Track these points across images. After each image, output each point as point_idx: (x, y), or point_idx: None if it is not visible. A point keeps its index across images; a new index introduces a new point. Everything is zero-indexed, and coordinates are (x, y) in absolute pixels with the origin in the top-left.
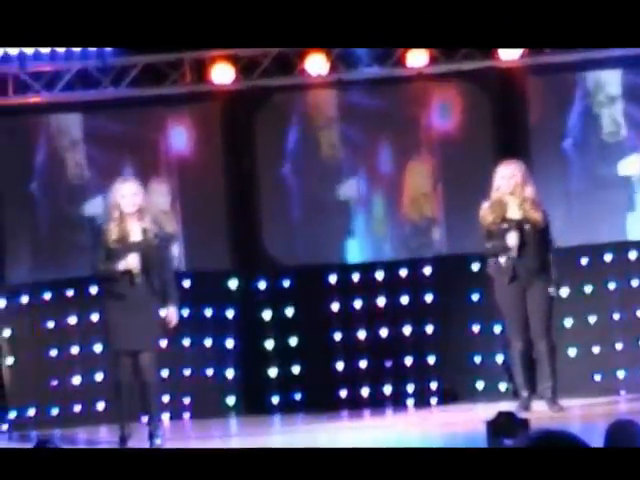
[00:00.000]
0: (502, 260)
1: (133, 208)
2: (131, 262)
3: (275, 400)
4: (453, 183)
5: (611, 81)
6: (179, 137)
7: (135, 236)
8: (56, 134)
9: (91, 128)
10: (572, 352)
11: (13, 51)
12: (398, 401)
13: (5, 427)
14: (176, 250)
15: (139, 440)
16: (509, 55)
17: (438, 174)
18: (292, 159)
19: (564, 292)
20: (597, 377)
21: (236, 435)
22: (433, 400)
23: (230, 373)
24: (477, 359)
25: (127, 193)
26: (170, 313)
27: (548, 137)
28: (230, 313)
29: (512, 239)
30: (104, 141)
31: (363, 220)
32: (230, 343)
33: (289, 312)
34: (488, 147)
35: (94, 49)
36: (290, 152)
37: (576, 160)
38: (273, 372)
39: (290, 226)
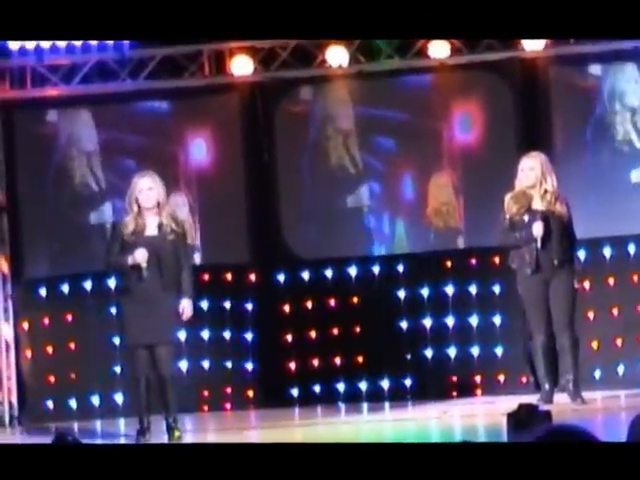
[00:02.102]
0: (525, 251)
1: (150, 203)
2: (139, 257)
3: (294, 393)
4: (476, 192)
5: (636, 70)
6: (198, 130)
7: (150, 230)
8: (74, 138)
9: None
10: (595, 344)
11: (30, 44)
12: (418, 394)
13: (23, 420)
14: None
15: (158, 433)
16: (532, 46)
17: (460, 183)
18: (312, 152)
19: (587, 284)
20: (620, 369)
21: (255, 428)
22: (453, 393)
23: (249, 366)
24: (498, 351)
25: (144, 187)
26: (184, 306)
27: (571, 128)
28: (249, 306)
29: (538, 229)
30: (122, 139)
31: (381, 218)
32: (249, 336)
33: (308, 305)
34: (510, 139)
35: (111, 42)
36: (310, 145)
37: (600, 151)
38: (292, 365)
39: (309, 219)
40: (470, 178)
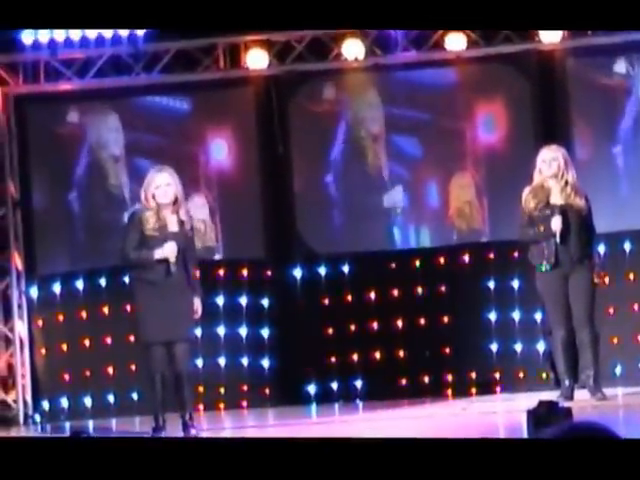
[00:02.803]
0: (544, 246)
1: (167, 199)
2: (169, 251)
3: (311, 390)
4: (498, 192)
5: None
6: (214, 126)
7: (172, 226)
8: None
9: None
10: (615, 340)
11: (44, 38)
12: (437, 391)
13: (38, 418)
14: (212, 240)
15: (174, 431)
16: (550, 37)
17: (483, 183)
18: (328, 146)
19: (607, 279)
20: None
21: (272, 425)
22: (473, 389)
23: (265, 363)
24: (518, 347)
25: (161, 184)
26: (197, 306)
27: (589, 120)
28: (265, 302)
29: (556, 223)
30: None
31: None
32: (265, 332)
33: (325, 301)
34: (529, 132)
35: (125, 35)
36: (326, 139)
37: (618, 144)
38: (309, 361)
39: (326, 214)
40: (492, 177)
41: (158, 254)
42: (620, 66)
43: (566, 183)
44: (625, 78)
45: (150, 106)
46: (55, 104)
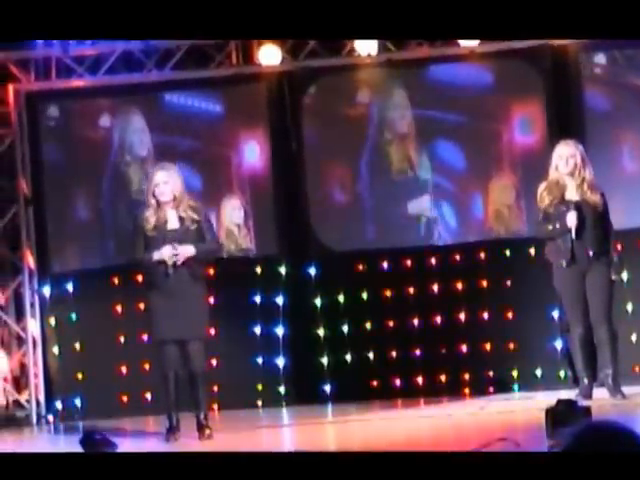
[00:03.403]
0: (560, 243)
1: (166, 197)
2: (165, 253)
3: (327, 389)
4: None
5: None
6: (229, 123)
7: (172, 224)
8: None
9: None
10: (634, 338)
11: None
12: (454, 389)
13: (51, 418)
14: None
15: (188, 431)
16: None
17: (520, 187)
18: (341, 141)
19: (625, 276)
20: None
21: (287, 425)
22: (490, 388)
23: (280, 361)
24: (535, 346)
25: (160, 181)
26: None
27: (604, 116)
28: (280, 300)
29: (571, 220)
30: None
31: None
32: (280, 330)
33: (340, 298)
34: (542, 128)
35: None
36: (339, 134)
37: (633, 140)
38: (325, 360)
39: (340, 211)
40: (529, 179)
41: (156, 256)
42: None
43: (582, 180)
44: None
45: (171, 105)
46: (68, 101)
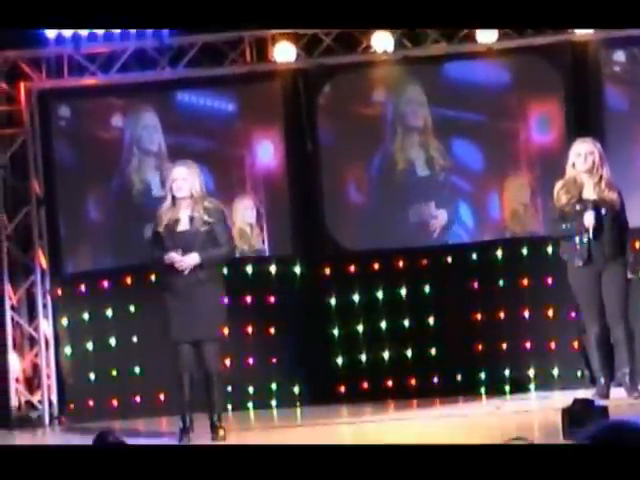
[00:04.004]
0: (577, 242)
1: (183, 193)
2: (171, 258)
3: (342, 389)
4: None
5: None
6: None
7: (183, 225)
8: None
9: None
10: None
11: (67, 32)
12: (470, 389)
13: (64, 419)
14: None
15: (201, 432)
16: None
17: (537, 186)
18: (357, 140)
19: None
20: None
21: (302, 425)
22: (507, 388)
23: (294, 362)
24: (552, 345)
25: (178, 177)
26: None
27: (622, 115)
28: (294, 300)
29: (589, 219)
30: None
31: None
32: (295, 330)
33: (355, 298)
34: (560, 126)
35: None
36: (354, 133)
37: None
38: (340, 360)
39: (355, 210)
40: (547, 178)
41: (167, 259)
42: None
43: (600, 178)
44: None
45: (184, 104)
46: (80, 99)
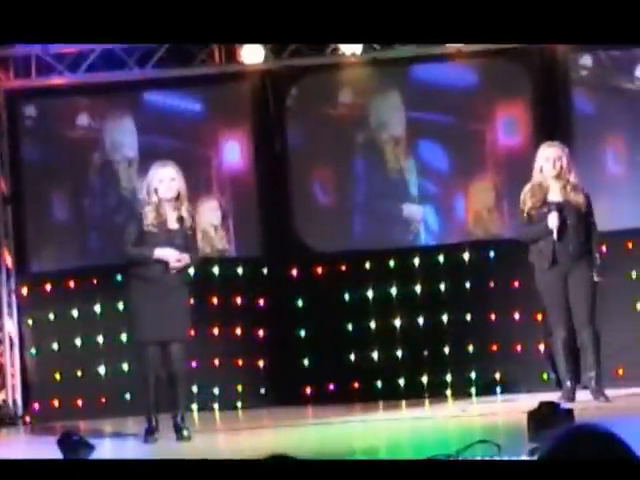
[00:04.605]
0: (542, 244)
1: (170, 194)
2: (168, 254)
3: (308, 391)
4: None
5: None
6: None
7: (172, 224)
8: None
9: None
10: (617, 340)
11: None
12: (436, 392)
13: (28, 419)
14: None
15: (167, 432)
16: None
17: (502, 189)
18: (326, 142)
19: (608, 277)
20: None
21: (267, 427)
22: (472, 390)
23: (261, 363)
24: (518, 348)
25: (165, 178)
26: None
27: (589, 118)
28: (261, 301)
29: (553, 220)
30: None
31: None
32: (261, 332)
33: (322, 300)
34: (527, 129)
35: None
36: (322, 134)
37: (618, 142)
38: (306, 361)
39: (323, 212)
40: (513, 180)
41: (158, 254)
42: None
43: (567, 182)
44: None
45: (152, 105)
46: (48, 99)
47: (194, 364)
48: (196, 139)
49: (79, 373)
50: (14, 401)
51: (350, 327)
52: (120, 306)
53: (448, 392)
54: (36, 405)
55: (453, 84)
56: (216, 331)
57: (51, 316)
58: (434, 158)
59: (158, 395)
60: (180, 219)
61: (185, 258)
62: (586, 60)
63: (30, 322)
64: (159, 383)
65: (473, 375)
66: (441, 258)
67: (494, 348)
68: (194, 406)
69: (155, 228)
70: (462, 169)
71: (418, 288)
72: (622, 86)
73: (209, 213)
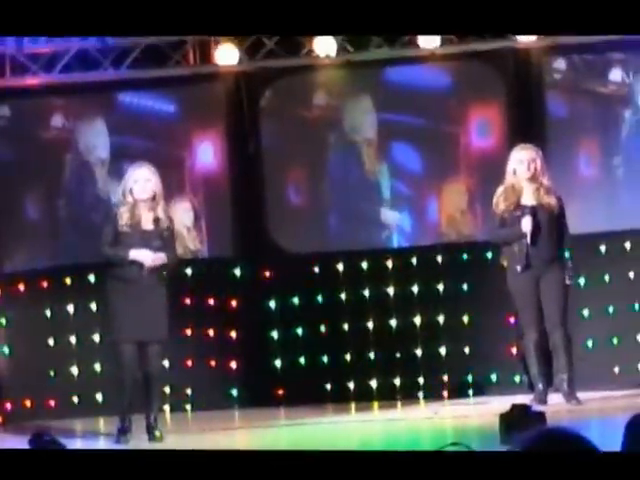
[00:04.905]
0: (515, 248)
1: (145, 194)
2: (143, 255)
3: (280, 392)
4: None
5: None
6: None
7: (147, 224)
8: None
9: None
10: (590, 343)
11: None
12: (408, 393)
13: (0, 419)
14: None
15: (139, 433)
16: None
17: (476, 191)
18: (299, 144)
19: (581, 281)
20: (616, 369)
21: (240, 428)
22: (445, 393)
23: (233, 364)
24: (491, 350)
25: (140, 178)
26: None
27: (565, 122)
28: (233, 302)
29: (526, 224)
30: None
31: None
32: (233, 333)
33: (295, 301)
34: (501, 131)
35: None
36: (296, 136)
37: (594, 145)
38: (278, 363)
39: (297, 213)
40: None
41: (133, 255)
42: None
43: (540, 185)
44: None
45: (126, 106)
46: (21, 99)
47: (167, 364)
48: (169, 140)
49: (52, 373)
50: None
51: (323, 328)
52: (93, 306)
53: (420, 394)
54: (8, 405)
55: (427, 86)
56: (189, 332)
57: (24, 316)
58: (407, 160)
59: (133, 396)
60: (156, 220)
61: (161, 257)
62: (560, 64)
63: (3, 322)
64: (135, 384)
65: (445, 377)
66: (414, 260)
67: (466, 350)
68: (166, 407)
69: (130, 229)
70: (435, 171)
71: (391, 290)
72: (596, 90)
73: (182, 214)
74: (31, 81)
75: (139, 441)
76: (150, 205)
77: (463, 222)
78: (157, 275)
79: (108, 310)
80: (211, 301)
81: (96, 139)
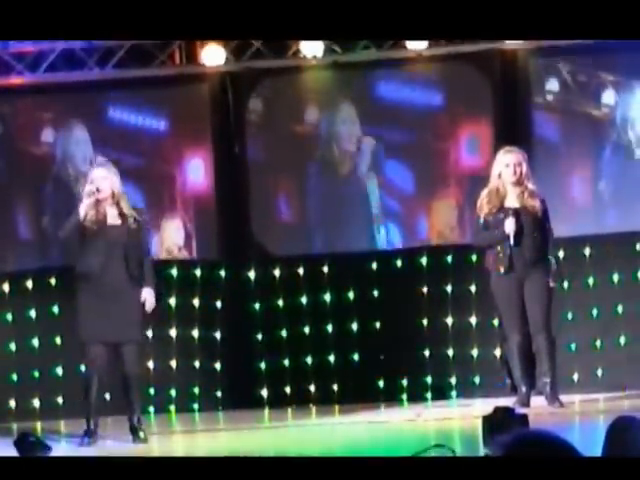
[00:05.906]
0: (499, 250)
1: (104, 193)
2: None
3: (264, 394)
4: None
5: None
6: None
7: (112, 219)
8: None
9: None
10: (573, 346)
11: None
12: (391, 396)
13: None
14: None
15: (119, 435)
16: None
17: (465, 205)
18: (285, 146)
19: (565, 284)
20: (599, 372)
21: (224, 429)
22: (428, 395)
23: (218, 366)
24: (474, 353)
25: (97, 177)
26: (146, 296)
27: (555, 142)
28: (218, 304)
29: (509, 226)
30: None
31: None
32: (218, 334)
33: (279, 303)
34: (488, 134)
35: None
36: (282, 138)
37: (580, 147)
38: (262, 365)
39: (281, 215)
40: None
41: (93, 252)
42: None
43: (525, 188)
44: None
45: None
46: (6, 98)
47: (151, 365)
48: (155, 142)
49: (36, 374)
50: None
51: (307, 330)
52: (54, 309)
53: (403, 396)
54: None
55: (415, 100)
56: (173, 333)
57: (9, 317)
58: (397, 175)
59: (100, 397)
60: (121, 216)
61: (150, 294)
62: (552, 84)
63: None
64: (102, 385)
65: (429, 379)
66: (399, 263)
67: (450, 352)
68: (150, 408)
69: (95, 224)
70: (425, 187)
71: (375, 292)
72: (587, 112)
73: (173, 232)
74: (16, 80)
75: (122, 442)
76: (110, 202)
77: (453, 238)
78: (128, 274)
79: (76, 310)
80: (196, 302)
81: (84, 152)
